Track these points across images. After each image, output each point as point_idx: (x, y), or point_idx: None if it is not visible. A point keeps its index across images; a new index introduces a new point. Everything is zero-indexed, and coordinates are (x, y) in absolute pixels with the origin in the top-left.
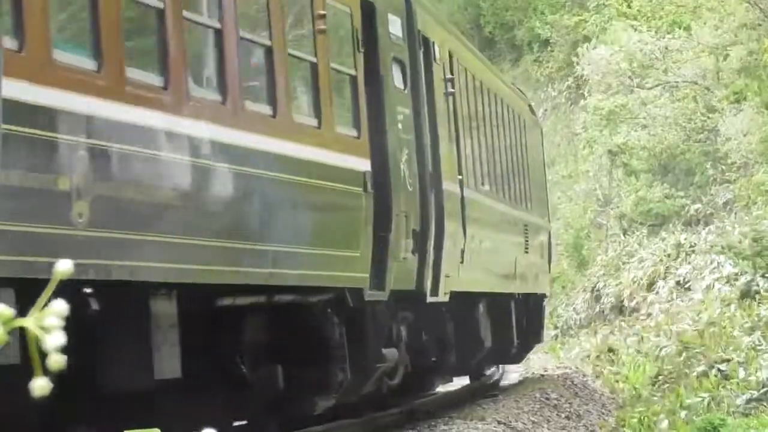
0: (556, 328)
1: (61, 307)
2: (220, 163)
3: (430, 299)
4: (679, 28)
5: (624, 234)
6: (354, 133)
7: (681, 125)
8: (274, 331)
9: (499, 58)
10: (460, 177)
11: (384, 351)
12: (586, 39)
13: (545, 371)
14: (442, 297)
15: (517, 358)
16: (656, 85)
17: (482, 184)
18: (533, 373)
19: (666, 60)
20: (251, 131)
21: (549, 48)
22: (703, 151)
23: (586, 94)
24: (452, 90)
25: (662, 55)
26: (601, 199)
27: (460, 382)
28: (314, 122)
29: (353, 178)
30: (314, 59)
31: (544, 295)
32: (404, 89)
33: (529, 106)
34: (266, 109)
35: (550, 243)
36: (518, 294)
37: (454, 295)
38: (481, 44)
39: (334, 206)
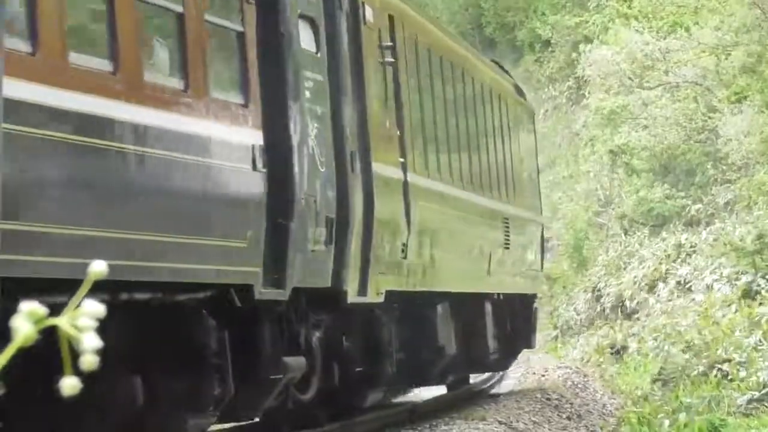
0: (556, 328)
1: (95, 307)
2: (42, 131)
3: (353, 299)
4: (680, 29)
5: (625, 234)
6: (239, 99)
7: (682, 125)
8: (132, 337)
9: (500, 58)
10: (403, 160)
11: (287, 360)
12: (587, 39)
13: (546, 371)
14: (374, 297)
15: (498, 365)
16: (657, 86)
17: (439, 169)
18: (534, 373)
19: (667, 60)
20: (81, 90)
21: (550, 48)
22: (703, 151)
23: (586, 95)
24: (391, 59)
25: (663, 55)
26: (602, 199)
27: (436, 391)
28: (178, 84)
29: (237, 153)
30: (180, 8)
31: (535, 296)
32: (316, 52)
33: (516, 87)
34: (104, 65)
35: (543, 239)
36: (499, 294)
37: (403, 297)
38: (482, 45)
39: (210, 186)
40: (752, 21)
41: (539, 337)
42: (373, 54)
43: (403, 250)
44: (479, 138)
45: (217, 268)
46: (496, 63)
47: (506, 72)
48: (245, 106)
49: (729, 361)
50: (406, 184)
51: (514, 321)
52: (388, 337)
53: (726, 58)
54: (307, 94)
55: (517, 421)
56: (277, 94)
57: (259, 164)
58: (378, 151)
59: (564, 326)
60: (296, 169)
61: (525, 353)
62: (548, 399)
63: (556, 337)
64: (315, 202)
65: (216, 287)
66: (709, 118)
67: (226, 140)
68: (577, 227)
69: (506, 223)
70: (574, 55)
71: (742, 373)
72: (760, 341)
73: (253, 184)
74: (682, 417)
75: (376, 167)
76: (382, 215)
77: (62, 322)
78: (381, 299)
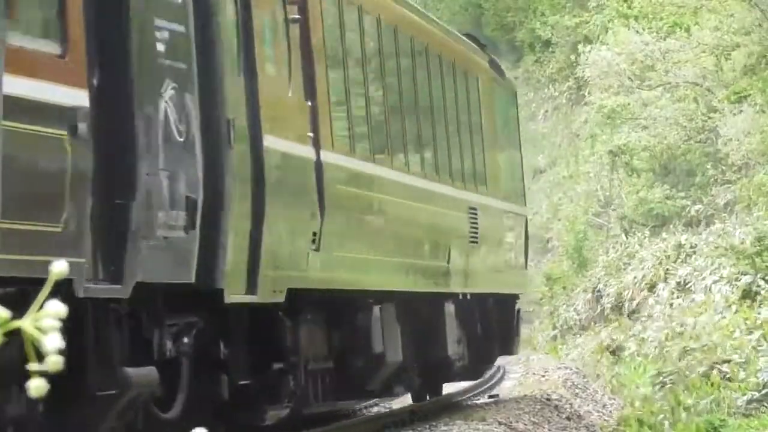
0: (555, 328)
1: (58, 308)
2: None
3: (236, 298)
4: (680, 29)
5: (625, 235)
6: (52, 48)
7: (682, 125)
8: None
9: (500, 58)
10: (313, 135)
11: (129, 372)
12: (587, 40)
13: (546, 372)
14: (268, 296)
15: (467, 373)
16: (657, 86)
17: (372, 150)
18: (534, 373)
19: (666, 61)
20: None
21: (550, 49)
22: (703, 152)
23: (587, 95)
24: (297, 17)
25: (663, 55)
26: (602, 199)
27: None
28: None
29: (46, 115)
30: None
31: (516, 296)
32: None
33: (493, 63)
34: None
35: (527, 233)
36: (465, 294)
37: (328, 297)
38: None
39: (6, 157)
40: (752, 21)
41: (540, 338)
42: (270, 6)
43: (314, 240)
44: (436, 117)
45: (13, 257)
46: (472, 37)
47: (482, 47)
48: (62, 57)
49: (729, 361)
50: (319, 163)
51: (488, 324)
52: (294, 343)
53: (727, 59)
54: (160, 47)
55: (517, 422)
56: (111, 44)
57: (82, 130)
58: (274, 122)
59: (564, 326)
60: (140, 138)
61: (525, 354)
62: (548, 399)
63: (556, 338)
64: (169, 179)
65: (18, 282)
66: (709, 118)
67: (26, 98)
68: (577, 228)
69: (473, 213)
70: (573, 56)
71: (742, 374)
72: (760, 342)
73: (71, 154)
74: (682, 417)
75: (271, 141)
76: (280, 198)
77: (26, 324)
78: (279, 298)
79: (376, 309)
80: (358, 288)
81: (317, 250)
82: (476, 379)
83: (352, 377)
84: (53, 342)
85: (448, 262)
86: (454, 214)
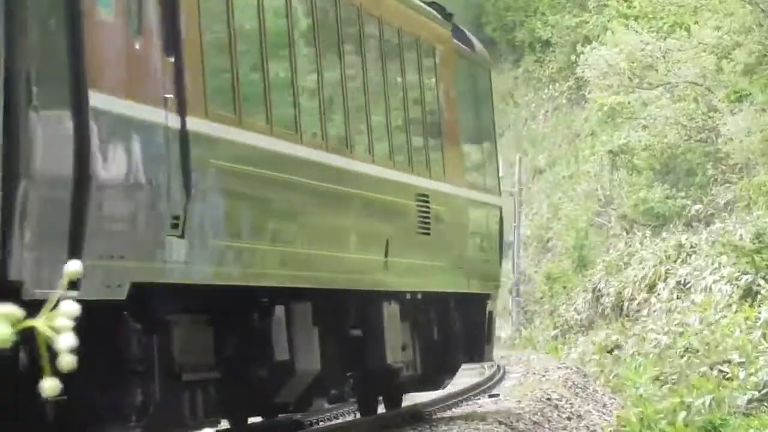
0: (556, 328)
1: (71, 307)
2: None
3: (37, 294)
4: (680, 29)
5: (626, 234)
6: None
7: (682, 124)
8: None
9: (500, 58)
10: (175, 97)
11: None
12: (587, 39)
13: (546, 372)
14: (98, 292)
15: (421, 384)
16: (657, 86)
17: (269, 120)
18: (534, 373)
19: (667, 60)
20: None
21: (550, 48)
22: (703, 151)
23: (587, 95)
24: None
25: (663, 55)
26: (602, 199)
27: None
28: None
29: None
30: None
31: (488, 296)
32: None
33: (457, 32)
34: None
35: (502, 226)
36: (416, 294)
37: (215, 293)
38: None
39: None
40: (752, 21)
41: (540, 338)
42: None
43: (176, 225)
44: (371, 89)
45: None
46: (436, 5)
47: (447, 17)
48: None
49: (729, 361)
50: (185, 132)
51: (449, 327)
52: (146, 350)
53: (727, 57)
54: None
55: (518, 421)
56: None
57: None
58: (109, 78)
59: (564, 326)
60: None
61: (525, 354)
62: (548, 399)
63: (556, 337)
64: None
65: None
66: (710, 117)
67: None
68: (577, 227)
69: (423, 201)
70: (573, 56)
71: (742, 373)
72: (760, 341)
73: None
74: (683, 417)
75: (104, 102)
76: (117, 171)
77: (39, 323)
78: (117, 295)
79: (278, 310)
80: (246, 284)
81: (181, 236)
82: (435, 390)
83: (254, 389)
84: (67, 341)
85: (386, 256)
86: (396, 200)
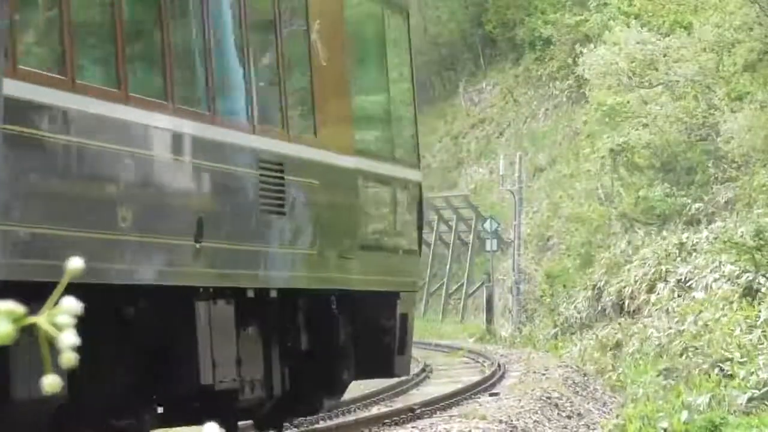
0: (556, 326)
1: (73, 304)
2: None
3: None
4: (681, 27)
5: (626, 233)
6: None
7: (683, 121)
8: None
9: (501, 56)
10: None
11: None
12: (587, 38)
13: (546, 370)
14: None
15: (282, 407)
16: (657, 84)
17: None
18: (535, 372)
19: (667, 59)
20: None
21: (550, 47)
22: (704, 149)
23: (587, 93)
24: None
25: (663, 54)
26: (602, 197)
27: None
28: None
29: None
30: None
31: (397, 296)
32: None
33: None
34: None
35: (421, 208)
36: (268, 291)
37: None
38: (483, 43)
39: None
40: (752, 19)
41: (540, 336)
42: None
43: None
44: (192, 21)
45: None
46: None
47: None
48: None
49: (729, 359)
50: None
51: (329, 335)
52: None
53: (728, 55)
54: None
55: (518, 420)
56: None
57: None
58: None
59: (564, 324)
60: None
61: (525, 353)
62: (548, 398)
63: (557, 336)
64: None
65: None
66: (710, 115)
67: None
68: (578, 226)
69: (274, 170)
70: (573, 56)
71: (743, 372)
72: (761, 339)
73: None
74: (683, 416)
75: None
76: None
77: (41, 320)
78: None
79: None
80: None
81: None
82: (310, 415)
83: None
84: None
85: (199, 242)
86: (220, 168)
